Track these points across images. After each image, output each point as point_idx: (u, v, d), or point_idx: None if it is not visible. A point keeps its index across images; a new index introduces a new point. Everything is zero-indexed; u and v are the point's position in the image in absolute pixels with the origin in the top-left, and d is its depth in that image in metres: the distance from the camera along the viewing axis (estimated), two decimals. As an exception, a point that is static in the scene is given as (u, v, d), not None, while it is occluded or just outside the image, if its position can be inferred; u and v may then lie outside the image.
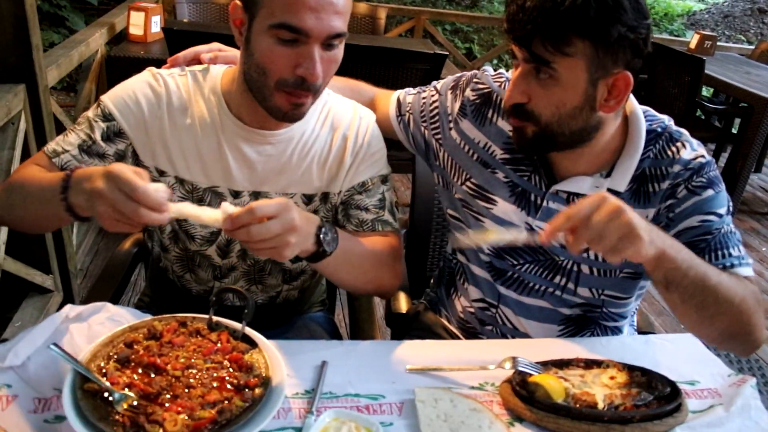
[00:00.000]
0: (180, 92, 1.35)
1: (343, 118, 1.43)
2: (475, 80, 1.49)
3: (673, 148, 1.34)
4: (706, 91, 6.22)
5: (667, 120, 1.39)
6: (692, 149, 1.34)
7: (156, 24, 3.63)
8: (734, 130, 5.64)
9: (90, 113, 1.34)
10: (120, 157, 1.34)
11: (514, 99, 1.26)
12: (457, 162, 1.49)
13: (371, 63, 2.97)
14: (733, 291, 1.22)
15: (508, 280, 1.48)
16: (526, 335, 1.49)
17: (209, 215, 1.08)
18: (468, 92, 1.48)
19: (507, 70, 1.49)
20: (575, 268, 1.41)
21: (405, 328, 1.64)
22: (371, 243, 1.40)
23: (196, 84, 1.37)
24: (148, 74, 1.37)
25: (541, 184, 1.39)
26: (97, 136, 1.31)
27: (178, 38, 2.89)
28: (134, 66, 3.10)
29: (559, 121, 1.26)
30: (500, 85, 1.46)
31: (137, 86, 1.35)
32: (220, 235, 1.42)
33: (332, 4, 1.17)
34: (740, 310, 1.23)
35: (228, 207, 1.07)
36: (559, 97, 1.23)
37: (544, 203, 1.39)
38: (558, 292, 1.44)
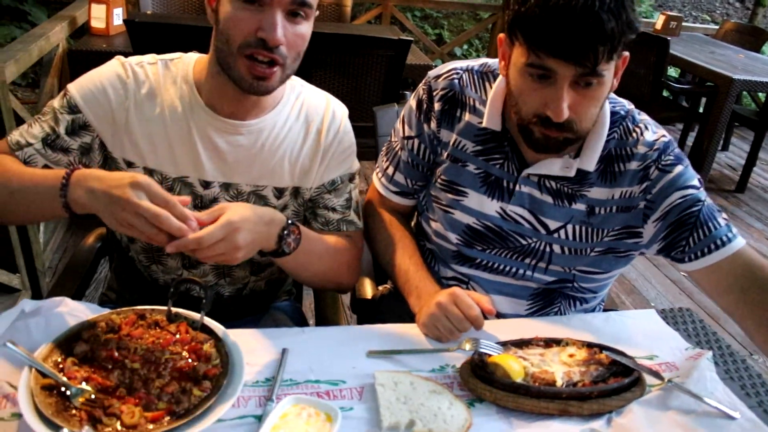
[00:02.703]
0: (149, 81, 1.34)
1: (317, 112, 1.42)
2: (433, 93, 1.47)
3: (637, 130, 1.38)
4: (674, 72, 6.28)
5: (628, 104, 1.44)
6: (653, 131, 1.39)
7: (118, 16, 3.55)
8: (701, 110, 5.72)
9: (56, 103, 1.32)
10: (86, 150, 1.32)
11: (567, 117, 1.23)
12: (437, 167, 1.51)
13: (335, 50, 2.96)
14: None
15: (477, 265, 1.49)
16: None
17: None
18: (436, 105, 1.47)
19: (479, 56, 1.50)
20: (547, 249, 1.43)
21: (370, 313, 1.65)
22: (334, 243, 1.43)
23: (167, 71, 1.35)
24: (116, 63, 1.35)
25: (513, 169, 1.41)
26: (62, 129, 1.30)
27: (141, 31, 2.85)
28: (97, 60, 3.04)
29: (591, 121, 1.29)
30: (458, 81, 1.46)
31: (105, 75, 1.33)
32: None
33: None
34: None
35: None
36: (598, 100, 1.26)
37: (517, 188, 1.41)
38: (529, 272, 1.47)
